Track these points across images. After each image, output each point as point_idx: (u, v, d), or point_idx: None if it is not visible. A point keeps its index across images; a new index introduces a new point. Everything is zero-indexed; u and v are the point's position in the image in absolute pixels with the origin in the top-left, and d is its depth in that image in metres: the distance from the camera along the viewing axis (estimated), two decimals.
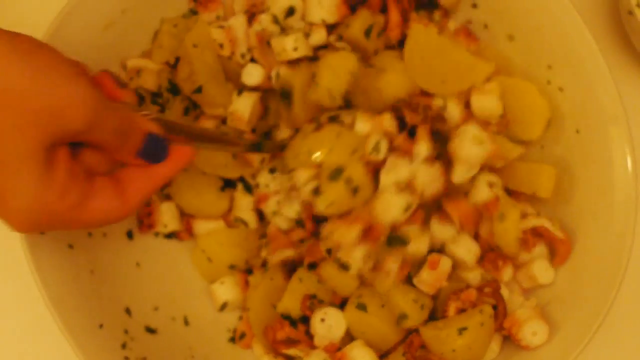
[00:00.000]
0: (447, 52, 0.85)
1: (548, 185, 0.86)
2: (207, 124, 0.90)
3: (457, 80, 0.85)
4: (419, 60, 0.85)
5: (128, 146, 0.65)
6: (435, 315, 0.88)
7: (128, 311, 0.85)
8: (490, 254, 0.89)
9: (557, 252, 0.87)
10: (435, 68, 0.85)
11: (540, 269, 0.87)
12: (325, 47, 0.90)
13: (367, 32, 0.87)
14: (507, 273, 0.89)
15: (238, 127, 0.88)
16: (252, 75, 0.89)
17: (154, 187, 0.69)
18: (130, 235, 0.90)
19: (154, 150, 0.67)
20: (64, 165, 0.60)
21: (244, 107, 0.87)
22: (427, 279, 0.84)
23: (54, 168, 0.59)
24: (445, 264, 0.83)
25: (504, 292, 0.88)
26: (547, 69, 0.85)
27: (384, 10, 0.89)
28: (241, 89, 0.88)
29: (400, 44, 0.89)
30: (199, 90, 0.86)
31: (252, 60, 0.90)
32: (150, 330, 0.86)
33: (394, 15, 0.88)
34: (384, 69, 0.87)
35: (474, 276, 0.88)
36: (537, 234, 0.87)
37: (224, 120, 0.90)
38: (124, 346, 0.81)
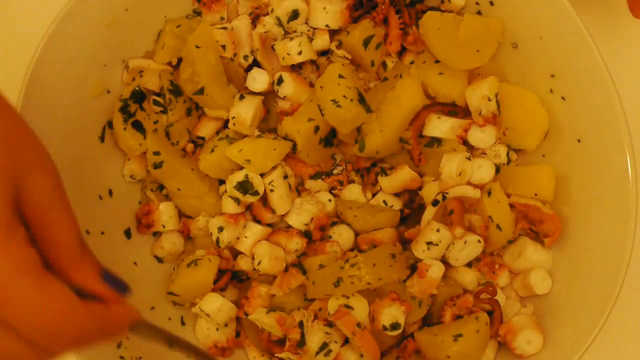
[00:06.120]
0: (461, 21, 0.86)
1: (549, 185, 0.87)
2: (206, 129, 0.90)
3: (474, 43, 0.86)
4: (436, 31, 0.85)
5: (91, 265, 0.57)
6: (430, 321, 0.88)
7: None
8: (487, 257, 0.89)
9: (548, 231, 0.87)
10: (451, 33, 0.85)
11: (537, 278, 0.87)
12: (327, 52, 0.90)
13: (366, 42, 0.88)
14: (503, 278, 0.89)
15: (241, 130, 0.88)
16: (257, 80, 0.89)
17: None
18: (128, 234, 0.90)
19: (114, 281, 0.59)
20: (24, 234, 0.52)
21: (246, 110, 0.87)
22: (417, 285, 0.84)
23: (17, 234, 0.51)
24: (434, 272, 0.83)
25: (501, 298, 0.88)
26: (550, 78, 0.85)
27: (387, 23, 0.89)
28: (242, 94, 0.88)
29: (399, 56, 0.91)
30: (200, 91, 0.86)
31: (255, 62, 0.90)
32: None
33: (394, 28, 0.88)
34: (398, 76, 0.88)
35: (470, 280, 0.88)
36: (524, 216, 0.88)
37: (225, 123, 0.90)
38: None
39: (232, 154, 0.86)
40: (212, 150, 0.88)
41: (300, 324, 0.84)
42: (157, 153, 0.87)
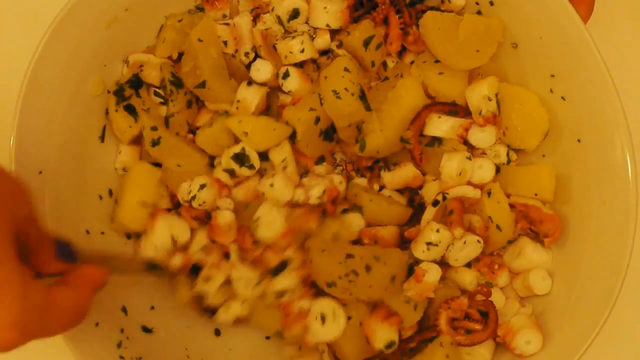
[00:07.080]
0: (461, 21, 0.86)
1: (549, 185, 0.87)
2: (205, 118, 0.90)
3: (473, 43, 0.86)
4: (436, 31, 0.85)
5: (48, 250, 0.67)
6: (427, 323, 0.87)
7: (124, 310, 0.85)
8: (487, 258, 0.89)
9: (547, 231, 0.87)
10: (451, 33, 0.85)
11: (537, 278, 0.87)
12: (327, 51, 0.90)
13: (366, 43, 0.88)
14: (502, 278, 0.89)
15: (243, 115, 0.88)
16: (261, 71, 0.88)
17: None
18: (128, 234, 0.90)
19: (66, 252, 0.69)
20: (29, 272, 0.62)
21: (251, 97, 0.87)
22: (414, 288, 0.84)
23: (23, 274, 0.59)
24: (431, 276, 0.83)
25: (500, 298, 0.89)
26: (550, 78, 0.85)
27: (387, 23, 0.89)
28: (249, 81, 0.88)
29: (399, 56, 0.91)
30: (202, 84, 0.86)
31: (258, 57, 0.90)
32: (146, 330, 0.86)
33: (394, 28, 0.88)
34: (399, 75, 0.88)
35: (469, 280, 0.88)
36: (524, 216, 0.88)
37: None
38: (119, 345, 0.81)
39: (232, 124, 0.86)
40: (211, 125, 0.88)
41: None
42: (154, 128, 0.87)
